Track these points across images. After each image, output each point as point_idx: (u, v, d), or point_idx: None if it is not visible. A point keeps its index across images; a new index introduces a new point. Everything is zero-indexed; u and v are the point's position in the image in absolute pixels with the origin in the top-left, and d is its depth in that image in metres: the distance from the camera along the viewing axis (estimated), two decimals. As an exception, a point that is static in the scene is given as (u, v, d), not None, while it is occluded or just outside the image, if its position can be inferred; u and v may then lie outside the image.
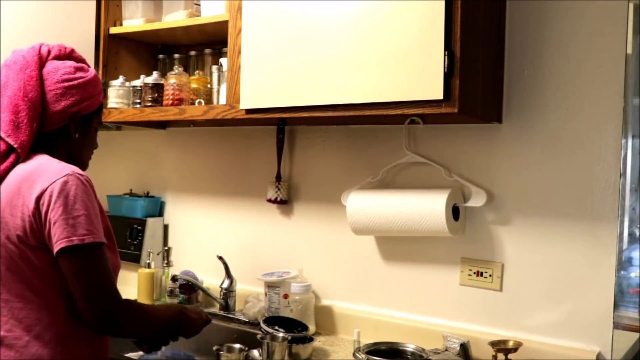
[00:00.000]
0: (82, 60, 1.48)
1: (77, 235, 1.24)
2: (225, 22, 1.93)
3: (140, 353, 1.87)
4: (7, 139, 1.33)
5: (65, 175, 1.27)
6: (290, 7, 1.73)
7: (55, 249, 1.24)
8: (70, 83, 1.39)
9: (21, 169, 1.32)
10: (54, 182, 1.26)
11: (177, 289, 2.24)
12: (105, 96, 2.24)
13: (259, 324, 1.90)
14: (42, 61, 1.40)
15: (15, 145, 1.33)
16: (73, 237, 1.23)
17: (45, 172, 1.29)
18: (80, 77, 1.41)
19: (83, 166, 1.44)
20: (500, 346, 1.63)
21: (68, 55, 1.45)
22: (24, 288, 1.29)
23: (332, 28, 1.66)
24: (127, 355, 1.88)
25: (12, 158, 1.33)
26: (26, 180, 1.29)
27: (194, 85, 2.12)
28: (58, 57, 1.42)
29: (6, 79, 1.38)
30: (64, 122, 1.38)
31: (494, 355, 1.63)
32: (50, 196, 1.25)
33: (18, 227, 1.27)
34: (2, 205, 1.29)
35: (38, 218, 1.26)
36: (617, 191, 1.62)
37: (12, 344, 1.28)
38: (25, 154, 1.34)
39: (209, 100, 2.12)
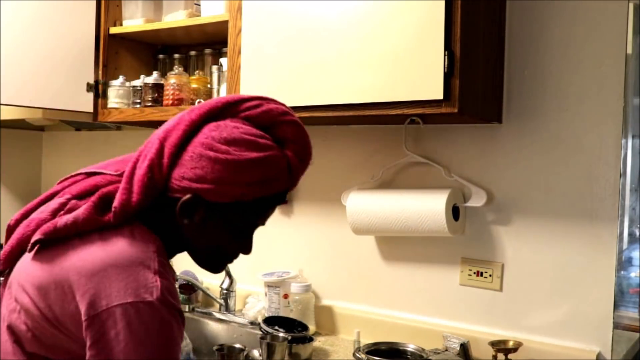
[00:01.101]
0: (286, 140, 1.06)
1: None
2: (225, 22, 1.93)
3: None
4: (120, 193, 1.00)
5: (146, 303, 0.90)
6: (290, 7, 1.73)
7: None
8: (212, 153, 0.99)
9: (106, 246, 0.96)
10: (126, 303, 0.90)
11: (177, 289, 2.24)
12: (106, 97, 2.24)
13: (259, 324, 1.90)
14: (221, 111, 1.04)
15: (116, 204, 0.99)
16: None
17: (126, 275, 0.92)
18: (233, 154, 0.99)
19: (204, 264, 1.12)
20: (500, 346, 1.63)
21: (268, 122, 1.05)
22: None
23: (332, 28, 1.66)
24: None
25: (107, 217, 0.99)
26: (101, 271, 0.92)
27: (194, 85, 2.12)
28: (248, 118, 1.04)
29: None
30: (178, 195, 1.01)
31: (494, 355, 1.63)
32: (111, 321, 0.89)
33: (64, 316, 0.94)
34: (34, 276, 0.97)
35: (79, 334, 0.93)
36: (617, 191, 1.62)
37: None
38: (118, 221, 0.99)
39: (209, 100, 2.12)
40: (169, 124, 1.07)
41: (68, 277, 0.94)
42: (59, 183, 1.12)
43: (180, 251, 1.12)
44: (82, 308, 0.91)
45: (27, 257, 1.00)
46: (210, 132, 1.01)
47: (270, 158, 1.02)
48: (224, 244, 1.09)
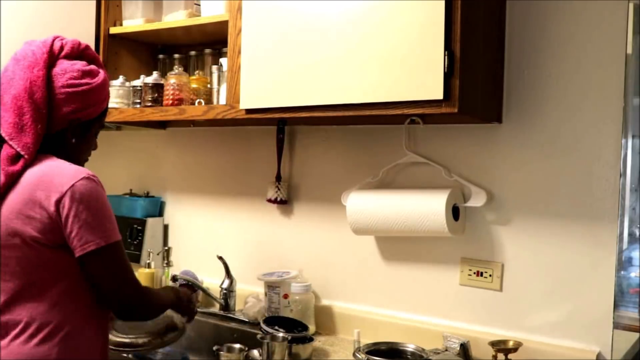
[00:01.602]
0: (94, 60, 1.44)
1: (104, 237, 1.30)
2: (225, 22, 1.93)
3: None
4: (11, 142, 1.32)
5: (82, 179, 1.30)
6: (290, 7, 1.73)
7: (83, 252, 1.28)
8: (74, 89, 1.36)
9: (32, 173, 1.31)
10: (72, 185, 1.29)
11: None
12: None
13: (259, 324, 1.90)
14: (52, 59, 1.36)
15: (18, 149, 1.31)
16: (100, 240, 1.29)
17: (59, 175, 1.30)
18: (86, 84, 1.38)
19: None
20: (500, 346, 1.63)
21: (81, 52, 1.42)
22: (36, 285, 1.31)
23: (332, 28, 1.66)
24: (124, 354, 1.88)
25: (22, 162, 1.32)
26: (40, 184, 1.29)
27: (194, 85, 2.12)
28: (69, 55, 1.39)
29: (13, 74, 1.35)
30: (63, 127, 1.37)
31: (494, 355, 1.63)
32: (72, 200, 1.28)
33: (35, 229, 1.28)
34: (18, 209, 1.29)
35: (58, 221, 1.28)
36: (617, 191, 1.62)
37: (17, 336, 1.30)
38: (31, 157, 1.32)
39: (209, 100, 2.12)
40: (16, 86, 1.34)
41: (15, 207, 1.30)
42: None
43: None
44: (46, 206, 1.28)
45: None
46: (63, 76, 1.36)
47: (103, 77, 1.42)
48: (87, 150, 1.49)
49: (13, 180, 1.31)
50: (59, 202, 1.28)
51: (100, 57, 2.19)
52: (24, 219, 1.29)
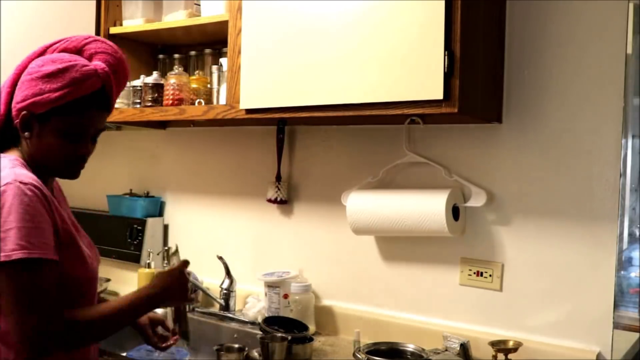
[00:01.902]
0: (91, 54, 1.29)
1: (4, 250, 1.12)
2: (225, 22, 1.93)
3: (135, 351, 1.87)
4: None
5: (4, 185, 1.17)
6: (290, 7, 1.73)
7: None
8: (29, 75, 1.25)
9: None
10: None
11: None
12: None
13: (259, 324, 1.90)
14: (41, 52, 1.29)
15: None
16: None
17: None
18: (42, 70, 1.24)
19: (47, 171, 1.31)
20: (500, 346, 1.63)
21: (74, 48, 1.30)
22: None
23: (332, 28, 1.66)
24: (122, 354, 1.89)
25: None
26: None
27: (194, 85, 2.12)
28: (66, 49, 1.29)
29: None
30: (16, 119, 1.26)
31: (494, 355, 1.63)
32: None
33: None
34: None
35: None
36: (617, 191, 1.62)
37: None
38: None
39: (209, 100, 2.12)
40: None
41: None
42: None
43: (48, 174, 1.32)
44: None
45: None
46: (34, 64, 1.26)
47: (72, 65, 1.23)
48: (64, 150, 1.28)
49: None
50: None
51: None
52: None
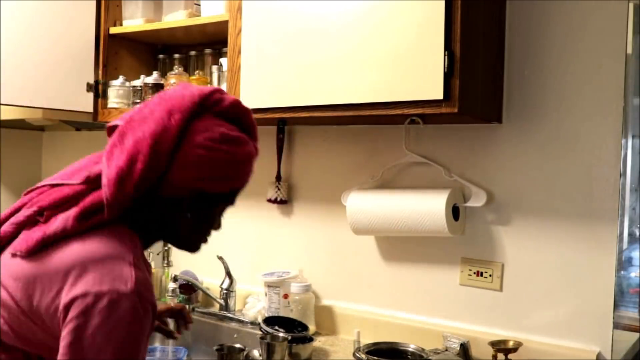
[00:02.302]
0: (249, 128, 1.16)
1: None
2: (225, 22, 1.93)
3: None
4: (105, 189, 1.05)
5: (119, 294, 0.96)
6: (290, 7, 1.73)
7: None
8: (212, 154, 1.08)
9: (85, 245, 1.03)
10: (100, 292, 0.96)
11: (177, 289, 2.24)
12: (106, 97, 2.25)
13: (259, 324, 1.90)
14: (199, 110, 1.09)
15: (105, 202, 1.05)
16: None
17: (102, 268, 0.99)
18: (221, 151, 1.08)
19: (190, 248, 1.21)
20: (500, 346, 1.63)
21: (238, 115, 1.15)
22: None
23: (332, 28, 1.66)
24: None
25: (97, 218, 1.06)
26: (80, 265, 1.00)
27: (194, 85, 2.12)
28: (222, 113, 1.12)
29: (149, 113, 1.07)
30: (178, 193, 1.09)
31: (494, 355, 1.63)
32: (85, 309, 0.96)
33: (40, 308, 1.01)
34: (45, 273, 1.02)
35: (58, 321, 0.99)
36: (617, 191, 1.62)
37: None
38: (111, 216, 1.06)
39: (209, 100, 2.11)
40: (145, 128, 1.06)
41: (49, 272, 1.01)
42: (25, 194, 1.16)
43: (157, 241, 1.21)
44: (60, 297, 0.98)
45: (5, 257, 1.07)
46: (202, 134, 1.08)
47: (249, 150, 1.14)
48: (206, 229, 1.22)
49: (62, 237, 1.03)
50: (72, 301, 0.97)
51: (101, 57, 2.26)
52: (39, 291, 1.01)
